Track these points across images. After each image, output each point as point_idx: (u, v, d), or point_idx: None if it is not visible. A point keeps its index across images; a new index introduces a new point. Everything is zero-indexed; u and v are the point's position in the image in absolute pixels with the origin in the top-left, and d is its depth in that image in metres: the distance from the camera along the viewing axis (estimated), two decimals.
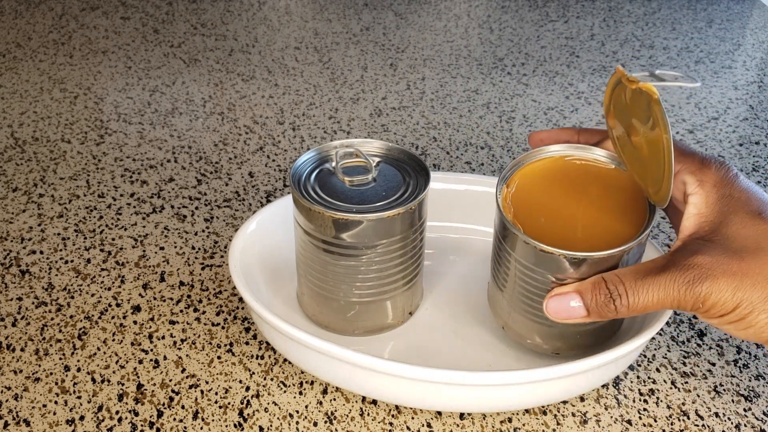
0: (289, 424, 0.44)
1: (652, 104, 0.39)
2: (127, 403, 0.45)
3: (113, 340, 0.50)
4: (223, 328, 0.51)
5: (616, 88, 0.43)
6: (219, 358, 0.49)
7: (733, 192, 0.40)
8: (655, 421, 0.45)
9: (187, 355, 0.49)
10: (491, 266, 0.47)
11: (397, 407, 0.45)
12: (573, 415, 0.45)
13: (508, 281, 0.45)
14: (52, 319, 0.52)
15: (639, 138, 0.42)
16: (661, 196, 0.41)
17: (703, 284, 0.37)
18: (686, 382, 0.47)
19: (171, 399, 0.46)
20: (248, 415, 0.45)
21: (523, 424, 0.44)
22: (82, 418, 0.44)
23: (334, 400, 0.46)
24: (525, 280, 0.43)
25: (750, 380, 0.48)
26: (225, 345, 0.49)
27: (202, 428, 0.44)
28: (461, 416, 0.45)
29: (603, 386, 0.47)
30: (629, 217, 0.43)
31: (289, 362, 0.48)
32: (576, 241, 0.42)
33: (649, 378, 0.48)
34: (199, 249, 0.59)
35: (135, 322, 0.51)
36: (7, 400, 0.45)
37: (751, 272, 0.37)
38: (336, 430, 0.44)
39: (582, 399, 0.46)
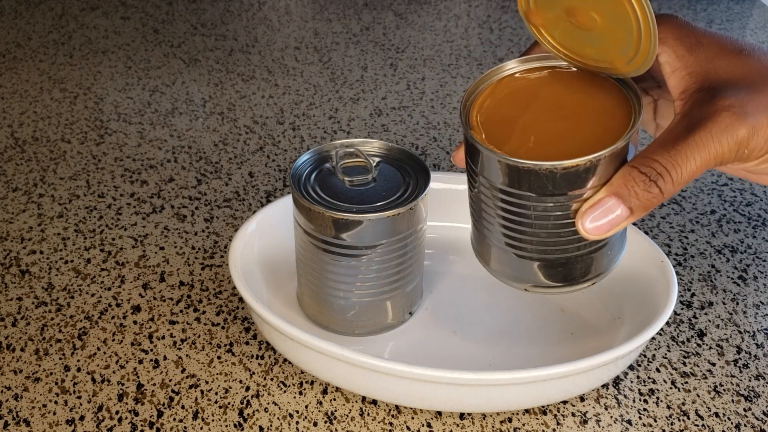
0: (289, 424, 0.44)
1: None
2: (127, 403, 0.45)
3: (113, 340, 0.50)
4: (223, 328, 0.51)
5: None
6: (219, 358, 0.49)
7: (700, 38, 0.36)
8: (655, 421, 0.45)
9: (187, 355, 0.49)
10: (471, 213, 0.43)
11: (397, 407, 0.45)
12: (573, 415, 0.45)
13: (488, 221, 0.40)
14: (52, 319, 0.52)
15: (586, 13, 0.36)
16: (643, 56, 0.35)
17: (741, 126, 0.33)
18: (686, 382, 0.47)
19: (171, 399, 0.46)
20: (248, 415, 0.45)
21: (523, 424, 0.44)
22: (82, 418, 0.44)
23: (334, 400, 0.46)
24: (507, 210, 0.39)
25: (750, 380, 0.48)
26: (225, 345, 0.49)
27: (202, 428, 0.44)
28: (461, 416, 0.45)
29: (603, 386, 0.47)
30: (607, 117, 0.37)
31: (289, 362, 0.48)
32: (563, 153, 0.36)
33: (649, 378, 0.48)
34: (199, 249, 0.59)
35: (135, 322, 0.51)
36: (7, 400, 0.45)
37: None
38: (336, 430, 0.44)
39: (582, 399, 0.46)
